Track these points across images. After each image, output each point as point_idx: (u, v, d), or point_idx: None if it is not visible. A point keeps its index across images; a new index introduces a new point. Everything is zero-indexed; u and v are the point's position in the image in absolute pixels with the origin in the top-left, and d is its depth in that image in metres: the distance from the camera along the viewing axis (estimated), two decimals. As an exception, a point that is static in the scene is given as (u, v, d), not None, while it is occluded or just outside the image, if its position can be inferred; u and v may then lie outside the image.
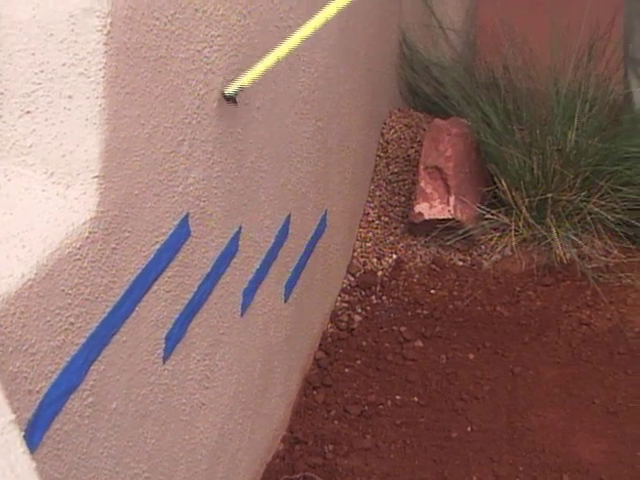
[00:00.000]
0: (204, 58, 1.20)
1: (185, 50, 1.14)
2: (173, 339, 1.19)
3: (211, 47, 1.22)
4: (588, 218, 2.24)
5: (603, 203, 2.22)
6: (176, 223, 1.17)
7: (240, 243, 1.43)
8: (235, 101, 1.35)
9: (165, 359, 1.18)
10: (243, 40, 1.34)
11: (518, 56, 2.41)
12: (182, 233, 1.19)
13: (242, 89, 1.36)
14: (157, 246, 1.11)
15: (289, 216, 1.69)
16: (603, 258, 2.23)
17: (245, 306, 1.49)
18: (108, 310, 1.00)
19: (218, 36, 1.24)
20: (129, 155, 1.02)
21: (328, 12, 1.51)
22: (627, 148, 2.23)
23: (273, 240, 1.61)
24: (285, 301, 1.73)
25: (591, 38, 2.26)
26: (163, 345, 1.16)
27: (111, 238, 0.99)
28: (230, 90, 1.35)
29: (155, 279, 1.11)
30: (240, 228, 1.42)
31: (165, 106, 1.10)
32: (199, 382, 1.31)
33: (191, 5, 1.14)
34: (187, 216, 1.20)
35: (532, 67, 2.37)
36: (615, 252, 2.25)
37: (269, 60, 1.41)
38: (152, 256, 1.10)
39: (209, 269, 1.31)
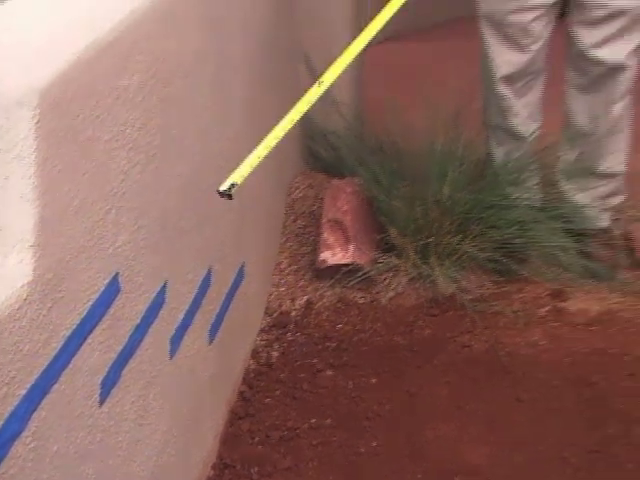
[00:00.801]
0: (127, 137, 1.19)
1: (109, 131, 1.13)
2: (108, 384, 1.16)
3: (133, 127, 1.21)
4: (464, 257, 2.29)
5: (475, 244, 2.28)
6: (107, 282, 1.14)
7: (166, 296, 1.40)
8: (230, 196, 1.34)
9: (101, 403, 1.14)
10: (162, 120, 1.34)
11: (399, 124, 2.47)
12: (112, 290, 1.17)
13: (235, 185, 1.35)
14: (90, 303, 1.09)
15: (210, 269, 1.67)
16: (478, 290, 2.29)
17: (173, 350, 1.46)
18: (47, 363, 0.96)
19: (139, 118, 1.23)
20: (61, 225, 1.00)
21: (300, 108, 1.54)
22: (491, 198, 2.30)
23: (196, 291, 1.59)
24: (210, 343, 1.71)
25: (457, 107, 2.33)
26: (99, 390, 1.13)
27: (47, 299, 0.96)
28: (224, 187, 1.33)
29: (89, 332, 1.08)
30: (166, 282, 1.40)
31: (92, 181, 1.08)
32: (134, 421, 1.28)
33: (114, 92, 1.14)
34: (117, 275, 1.18)
35: (411, 132, 2.43)
36: (487, 284, 2.31)
37: (254, 159, 1.43)
38: (86, 312, 1.07)
39: (139, 320, 1.28)
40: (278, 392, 1.98)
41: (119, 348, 1.20)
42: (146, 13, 1.27)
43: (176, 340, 1.47)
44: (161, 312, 1.38)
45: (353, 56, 1.57)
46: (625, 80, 2.23)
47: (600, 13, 2.14)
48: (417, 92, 2.34)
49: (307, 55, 2.62)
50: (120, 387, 1.21)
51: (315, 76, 2.58)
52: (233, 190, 1.34)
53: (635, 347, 2.12)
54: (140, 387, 1.29)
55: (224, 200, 1.75)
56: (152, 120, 1.29)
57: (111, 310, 1.16)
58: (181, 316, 1.50)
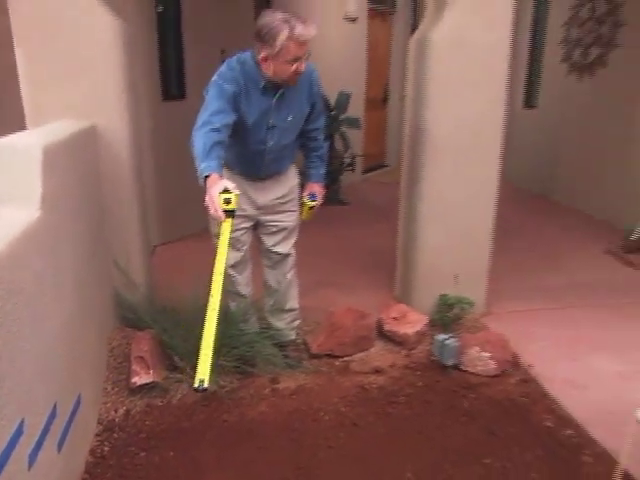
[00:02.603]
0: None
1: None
2: (-18, 497, 1.07)
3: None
4: (220, 367, 2.29)
5: (225, 358, 2.31)
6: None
7: (24, 428, 1.31)
8: (205, 389, 1.19)
9: (-22, 510, 1.05)
10: (16, 315, 1.30)
11: (176, 294, 2.47)
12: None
13: (203, 381, 1.22)
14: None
15: (56, 403, 1.57)
16: (230, 385, 2.31)
17: (31, 463, 1.35)
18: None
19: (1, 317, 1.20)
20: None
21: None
22: (232, 331, 2.35)
23: (46, 420, 1.48)
24: (59, 452, 1.58)
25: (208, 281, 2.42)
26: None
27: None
28: (196, 385, 1.21)
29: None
30: (23, 419, 1.31)
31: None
32: (3, 517, 1.17)
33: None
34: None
35: (183, 298, 2.43)
36: (234, 381, 2.34)
37: (208, 349, 1.28)
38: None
39: (4, 448, 1.19)
40: (109, 474, 1.86)
41: (-10, 471, 1.11)
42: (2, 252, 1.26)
43: (33, 456, 1.36)
44: (20, 439, 1.29)
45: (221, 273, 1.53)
46: (291, 260, 2.41)
47: (274, 229, 2.33)
48: (187, 274, 2.35)
49: (115, 260, 2.60)
50: (-10, 498, 1.11)
51: (121, 271, 2.59)
52: (205, 384, 1.21)
53: (315, 404, 2.20)
54: (7, 494, 1.19)
55: (65, 354, 1.69)
56: (8, 317, 1.26)
57: (-16, 447, 1.09)
58: (36, 439, 1.40)
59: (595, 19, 4.78)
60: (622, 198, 4.46)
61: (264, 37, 1.93)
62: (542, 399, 2.27)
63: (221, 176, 1.80)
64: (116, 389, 2.30)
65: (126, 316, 2.65)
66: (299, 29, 1.89)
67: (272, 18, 1.91)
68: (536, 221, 4.75)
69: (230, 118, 1.93)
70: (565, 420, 2.14)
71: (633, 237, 3.83)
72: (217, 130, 1.86)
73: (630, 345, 2.62)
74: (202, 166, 1.80)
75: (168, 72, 3.92)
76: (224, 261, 1.64)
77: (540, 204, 5.35)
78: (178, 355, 2.32)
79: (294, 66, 1.96)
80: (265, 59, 1.97)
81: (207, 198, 1.75)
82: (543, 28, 5.66)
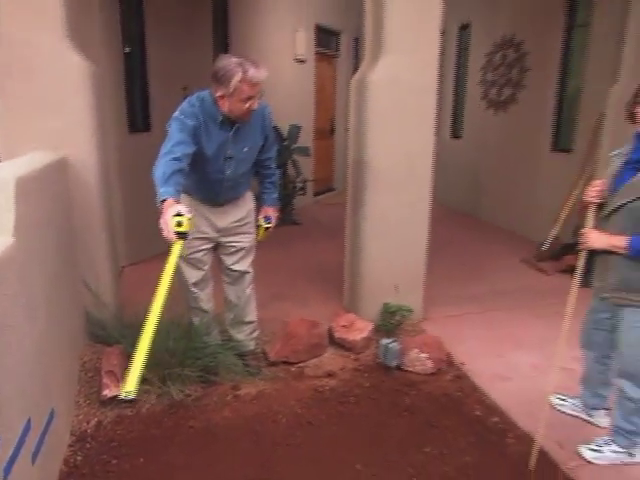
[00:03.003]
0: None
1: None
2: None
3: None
4: (185, 377, 2.26)
5: (190, 369, 2.28)
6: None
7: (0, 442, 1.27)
8: (131, 401, 1.13)
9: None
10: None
11: (142, 310, 2.38)
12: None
13: (129, 393, 1.17)
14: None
15: (30, 418, 1.51)
16: (194, 393, 2.28)
17: (6, 476, 1.29)
18: None
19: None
20: None
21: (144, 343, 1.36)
22: (195, 344, 2.32)
23: (20, 434, 1.43)
24: (33, 464, 1.52)
25: (171, 300, 2.38)
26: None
27: None
28: (123, 395, 1.17)
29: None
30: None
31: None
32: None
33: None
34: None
35: (148, 314, 2.39)
36: (199, 389, 2.31)
37: (139, 363, 1.22)
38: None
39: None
40: (81, 483, 1.80)
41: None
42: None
43: (7, 468, 1.31)
44: (-3, 453, 1.25)
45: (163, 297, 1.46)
46: (249, 277, 2.40)
47: (232, 249, 2.31)
48: (153, 292, 2.32)
49: (85, 281, 2.54)
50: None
51: (91, 291, 2.53)
52: (131, 395, 1.16)
53: (273, 407, 2.21)
54: (-18, 506, 1.14)
55: (37, 372, 1.63)
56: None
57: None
58: (10, 453, 1.35)
59: (506, 64, 5.12)
60: (534, 215, 4.74)
61: (220, 79, 1.96)
62: (473, 392, 2.36)
63: (177, 201, 1.74)
64: (88, 402, 2.23)
65: (96, 333, 2.57)
66: (251, 72, 1.93)
67: (228, 62, 1.95)
68: (464, 236, 4.96)
69: (190, 149, 1.93)
70: (492, 409, 2.24)
71: (544, 248, 4.07)
72: (178, 159, 1.84)
73: (544, 341, 2.77)
74: (161, 191, 1.76)
75: (134, 107, 3.88)
76: (169, 282, 1.59)
77: (468, 222, 5.59)
78: (148, 366, 2.23)
79: (247, 104, 2.00)
80: (221, 97, 2.00)
81: (161, 221, 1.70)
82: (464, 71, 5.99)
